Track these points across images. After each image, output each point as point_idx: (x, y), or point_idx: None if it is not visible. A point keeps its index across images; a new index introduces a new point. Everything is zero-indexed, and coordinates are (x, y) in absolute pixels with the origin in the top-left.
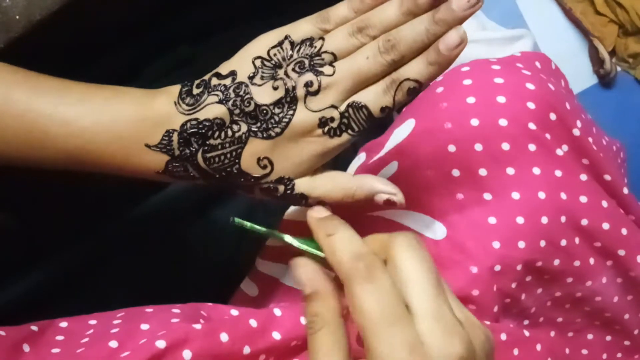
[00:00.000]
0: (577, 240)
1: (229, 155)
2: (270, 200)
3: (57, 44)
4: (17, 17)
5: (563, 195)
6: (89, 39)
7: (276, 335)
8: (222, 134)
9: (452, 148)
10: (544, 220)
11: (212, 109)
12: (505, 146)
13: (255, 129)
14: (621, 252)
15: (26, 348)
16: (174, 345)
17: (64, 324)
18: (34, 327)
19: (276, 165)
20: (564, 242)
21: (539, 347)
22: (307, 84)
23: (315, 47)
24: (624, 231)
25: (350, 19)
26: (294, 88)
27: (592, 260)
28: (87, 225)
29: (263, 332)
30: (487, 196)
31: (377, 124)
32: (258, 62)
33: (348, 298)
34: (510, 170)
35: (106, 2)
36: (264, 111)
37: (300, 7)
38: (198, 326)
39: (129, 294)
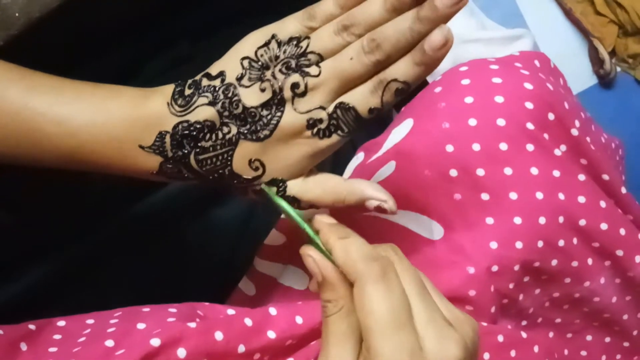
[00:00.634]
0: (575, 240)
1: (220, 158)
2: (265, 203)
3: (57, 42)
4: (17, 14)
5: (561, 196)
6: (88, 36)
7: (271, 334)
8: (213, 136)
9: (449, 148)
10: (542, 220)
11: (203, 111)
12: (503, 146)
13: (245, 131)
14: (619, 253)
15: (23, 347)
16: (168, 344)
17: (61, 323)
18: (31, 326)
19: (268, 167)
20: (561, 243)
21: (536, 348)
22: (294, 86)
23: (301, 47)
24: (622, 231)
25: (336, 15)
26: (281, 90)
27: (590, 261)
28: (85, 224)
29: (258, 331)
30: (485, 196)
31: (368, 124)
32: (246, 63)
33: (357, 297)
34: (508, 171)
35: (105, 0)
36: (252, 113)
37: (300, 5)
38: (193, 324)
39: (127, 293)
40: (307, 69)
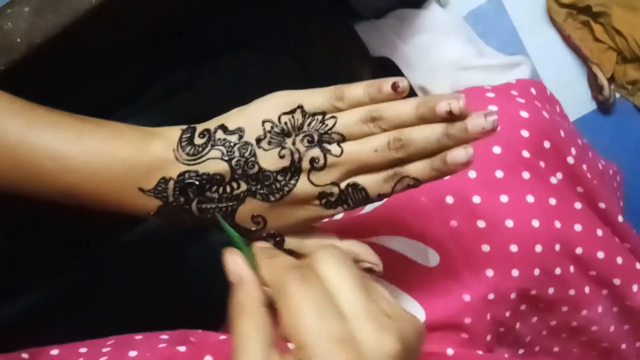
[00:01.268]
0: (571, 268)
1: (224, 209)
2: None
3: (58, 67)
4: (19, 39)
5: (557, 224)
6: (90, 62)
7: None
8: (220, 189)
9: None
10: (538, 248)
11: (214, 164)
12: (499, 173)
13: (255, 191)
14: (616, 281)
15: None
16: None
17: (54, 352)
18: (24, 355)
19: (269, 223)
20: (558, 271)
21: None
22: (314, 160)
23: (327, 124)
24: (619, 260)
25: (364, 103)
26: (300, 160)
27: (587, 289)
28: (81, 248)
29: None
30: (481, 223)
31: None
32: (268, 126)
33: (280, 302)
34: (504, 198)
35: (107, 26)
36: (267, 176)
37: (302, 33)
38: (183, 348)
39: (122, 318)
40: (328, 146)
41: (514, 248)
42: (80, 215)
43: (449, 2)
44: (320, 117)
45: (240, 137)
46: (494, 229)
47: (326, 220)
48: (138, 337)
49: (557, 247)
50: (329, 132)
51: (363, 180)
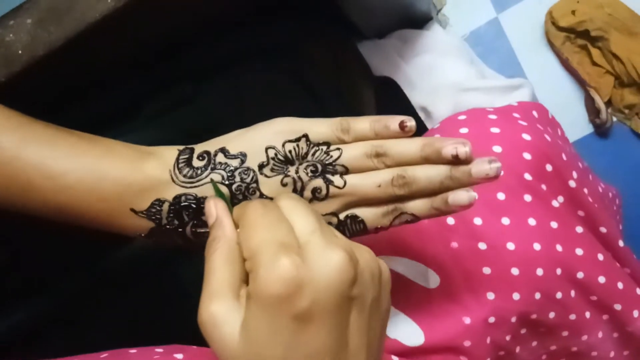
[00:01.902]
0: (572, 293)
1: None
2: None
3: (59, 80)
4: (20, 52)
5: (559, 247)
6: (91, 75)
7: None
8: None
9: None
10: (539, 272)
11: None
12: (501, 196)
13: None
14: (617, 307)
15: None
16: None
17: None
18: None
19: None
20: (559, 295)
21: None
22: (316, 190)
23: (332, 156)
24: (620, 285)
25: (369, 138)
26: (302, 189)
27: (588, 314)
28: (78, 262)
29: None
30: (482, 246)
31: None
32: (271, 153)
33: (240, 224)
34: (506, 220)
35: (109, 39)
36: None
37: (304, 51)
38: (180, 356)
39: (116, 333)
40: (331, 177)
41: (515, 271)
42: (75, 231)
43: (448, 23)
44: (324, 148)
45: (242, 161)
46: (495, 251)
47: None
48: (132, 351)
49: (559, 271)
50: (333, 163)
51: (362, 212)
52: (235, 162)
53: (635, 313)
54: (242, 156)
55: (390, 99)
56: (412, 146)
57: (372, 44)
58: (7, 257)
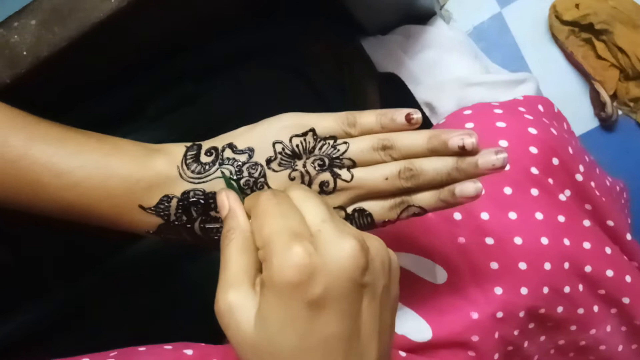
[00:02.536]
0: (580, 287)
1: None
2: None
3: (63, 81)
4: (25, 53)
5: (566, 241)
6: (95, 75)
7: None
8: None
9: None
10: (547, 266)
11: (221, 183)
12: (508, 190)
13: None
14: (625, 300)
15: None
16: None
17: None
18: None
19: None
20: (567, 289)
21: None
22: (324, 184)
23: (339, 150)
24: (628, 278)
25: (375, 131)
26: (310, 183)
27: (596, 308)
28: (84, 263)
29: None
30: (489, 240)
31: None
32: (279, 147)
33: (252, 215)
34: (513, 215)
35: (112, 40)
36: None
37: (308, 48)
38: (189, 351)
39: (124, 332)
40: (339, 171)
41: (522, 265)
42: (81, 230)
43: (452, 18)
44: (331, 142)
45: (250, 156)
46: (502, 246)
47: None
48: (141, 348)
49: (566, 265)
50: (340, 157)
51: (369, 206)
52: (243, 157)
53: None
54: (250, 151)
55: (395, 95)
56: (418, 138)
57: (375, 40)
58: (14, 258)
